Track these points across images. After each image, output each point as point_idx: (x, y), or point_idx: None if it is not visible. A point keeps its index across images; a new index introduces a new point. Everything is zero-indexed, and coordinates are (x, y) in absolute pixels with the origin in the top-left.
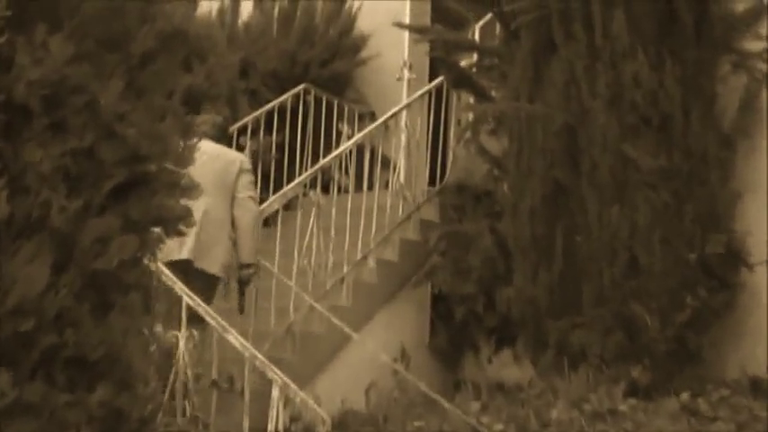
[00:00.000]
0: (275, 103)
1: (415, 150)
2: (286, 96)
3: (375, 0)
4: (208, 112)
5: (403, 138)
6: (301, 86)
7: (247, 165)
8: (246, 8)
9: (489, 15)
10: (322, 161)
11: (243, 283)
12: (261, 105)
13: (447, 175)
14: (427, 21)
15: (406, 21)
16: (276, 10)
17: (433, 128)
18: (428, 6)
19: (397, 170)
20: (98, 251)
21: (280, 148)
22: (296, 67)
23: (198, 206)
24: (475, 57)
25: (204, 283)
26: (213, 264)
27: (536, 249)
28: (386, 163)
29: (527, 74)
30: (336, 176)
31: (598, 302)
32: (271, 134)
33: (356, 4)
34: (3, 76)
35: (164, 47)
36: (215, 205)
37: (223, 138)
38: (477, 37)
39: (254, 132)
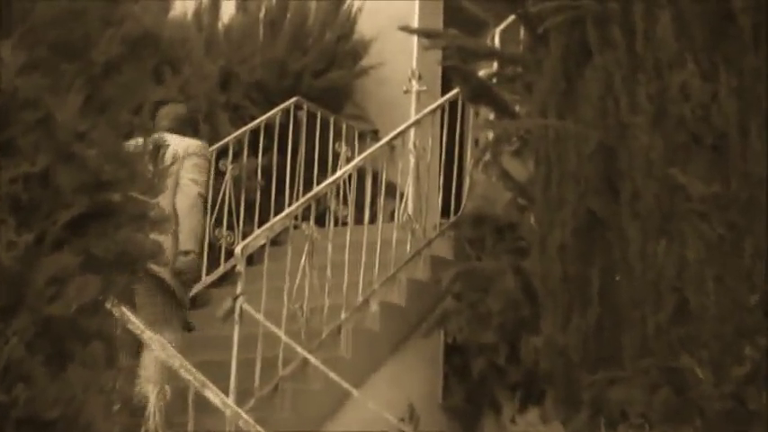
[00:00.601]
0: (261, 120)
1: (425, 175)
2: (274, 112)
3: (378, 0)
4: (169, 104)
5: (411, 161)
6: (292, 100)
7: (196, 149)
8: (228, 9)
9: (512, 17)
10: (316, 188)
11: (181, 274)
12: (244, 122)
13: (463, 205)
14: (439, 24)
15: (415, 24)
16: (262, 11)
17: (446, 149)
18: (440, 7)
19: (404, 199)
20: (53, 293)
21: (266, 172)
22: (285, 77)
23: None
24: (495, 65)
25: (153, 286)
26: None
27: (568, 291)
28: (391, 190)
29: (556, 85)
30: (333, 206)
31: (641, 353)
32: (256, 156)
33: (356, 5)
34: None
35: (131, 54)
36: None
37: (187, 129)
38: (497, 42)
39: (237, 154)
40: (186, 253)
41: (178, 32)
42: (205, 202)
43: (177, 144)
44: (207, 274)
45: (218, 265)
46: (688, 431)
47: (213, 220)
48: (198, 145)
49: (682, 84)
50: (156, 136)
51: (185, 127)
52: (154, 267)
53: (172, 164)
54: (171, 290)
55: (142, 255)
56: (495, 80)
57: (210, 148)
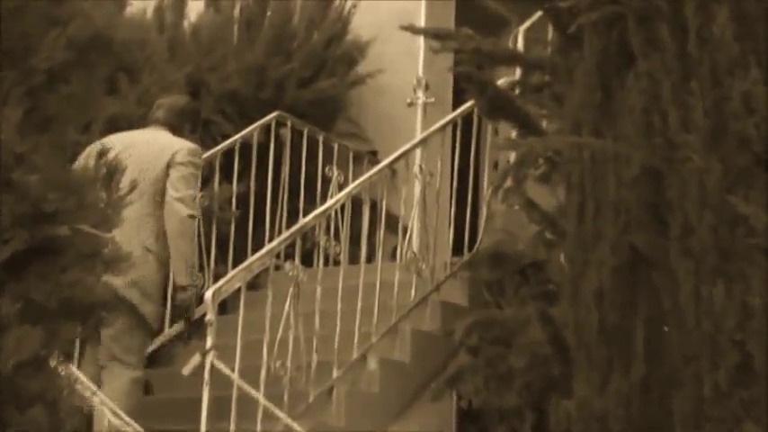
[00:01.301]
0: (236, 138)
1: (433, 205)
2: (251, 129)
3: None
4: (171, 95)
5: (416, 187)
6: (273, 115)
7: (184, 156)
8: (195, 5)
9: (538, 14)
10: (302, 221)
11: (182, 311)
12: (216, 142)
13: (479, 241)
14: (450, 23)
15: (421, 22)
16: (237, 8)
17: (458, 173)
18: (451, 3)
19: (408, 233)
20: None
21: (243, 201)
22: (265, 87)
23: None
24: (518, 73)
25: (132, 321)
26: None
27: (606, 345)
28: (392, 223)
29: (592, 96)
30: (323, 242)
31: (696, 420)
32: (230, 183)
33: (350, 1)
34: None
35: (79, 60)
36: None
37: (185, 125)
38: (520, 45)
39: (207, 180)
40: (184, 288)
41: (136, 33)
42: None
43: (162, 145)
44: (171, 325)
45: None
46: None
47: None
48: (187, 150)
49: (743, 94)
50: (98, 143)
51: (183, 122)
52: (134, 300)
53: (130, 191)
54: (150, 327)
55: (93, 302)
56: (517, 90)
57: None
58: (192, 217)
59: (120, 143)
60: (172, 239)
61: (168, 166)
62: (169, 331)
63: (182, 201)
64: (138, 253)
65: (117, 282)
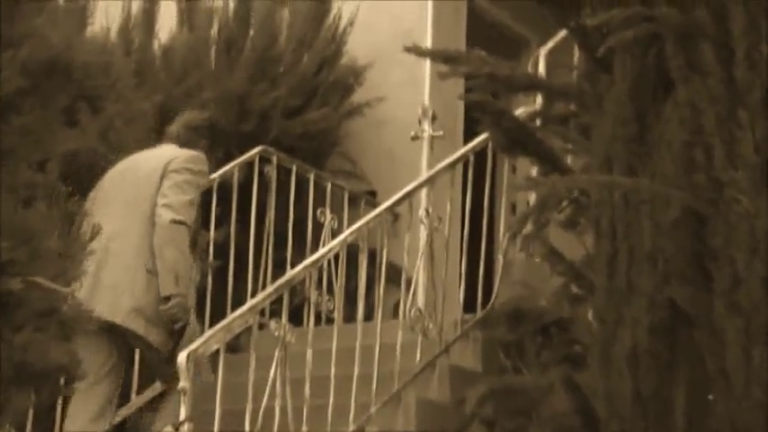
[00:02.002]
0: (214, 177)
1: (441, 254)
2: (231, 166)
3: (377, 10)
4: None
5: (422, 233)
6: (256, 150)
7: (179, 164)
8: (166, 23)
9: (562, 34)
10: (290, 272)
11: (167, 324)
12: None
13: (494, 295)
14: (461, 44)
15: (427, 42)
16: (215, 27)
17: (470, 217)
18: (462, 20)
19: (412, 287)
20: None
21: (221, 250)
22: (247, 118)
23: (103, 234)
24: (539, 101)
25: (121, 345)
26: (114, 309)
27: (641, 416)
28: (394, 275)
29: (624, 128)
30: (314, 297)
31: None
32: (207, 228)
33: (346, 17)
34: None
35: (34, 87)
36: (125, 230)
37: (200, 142)
38: (542, 69)
39: None
40: (167, 299)
41: (98, 56)
42: (190, 227)
43: (159, 159)
44: (139, 393)
45: (155, 379)
46: None
47: None
48: (183, 158)
49: None
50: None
51: (198, 138)
52: (139, 330)
53: (92, 237)
54: (150, 346)
55: (49, 367)
56: (538, 121)
57: None
58: (177, 222)
59: (124, 165)
60: (156, 247)
61: (161, 177)
62: (137, 399)
63: (168, 206)
64: (140, 277)
65: (121, 312)
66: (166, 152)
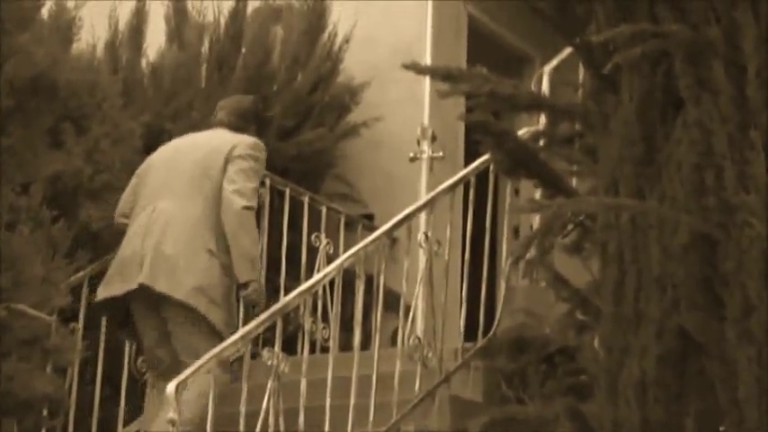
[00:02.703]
0: None
1: (441, 280)
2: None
3: (374, 26)
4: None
5: (421, 259)
6: None
7: (243, 149)
8: (155, 39)
9: (566, 52)
10: (284, 299)
11: (248, 309)
12: None
13: (496, 323)
14: (462, 61)
15: (427, 59)
16: (205, 44)
17: (471, 241)
18: (463, 36)
19: (411, 314)
20: None
21: None
22: None
23: (161, 211)
24: (543, 121)
25: (184, 319)
26: (178, 286)
27: None
28: (392, 302)
29: (632, 149)
30: (308, 325)
31: None
32: None
33: (342, 34)
34: None
35: (18, 106)
36: (185, 206)
37: (249, 127)
38: (545, 88)
39: None
40: (245, 285)
41: (84, 75)
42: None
43: (220, 142)
44: (125, 425)
45: (143, 410)
46: None
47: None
48: (247, 144)
49: None
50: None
51: (247, 124)
52: (200, 308)
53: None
54: (219, 335)
55: (32, 397)
56: (542, 142)
57: None
58: (248, 209)
59: (178, 144)
60: (229, 233)
61: (226, 161)
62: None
63: (239, 193)
64: (201, 257)
65: (183, 289)
66: (225, 136)
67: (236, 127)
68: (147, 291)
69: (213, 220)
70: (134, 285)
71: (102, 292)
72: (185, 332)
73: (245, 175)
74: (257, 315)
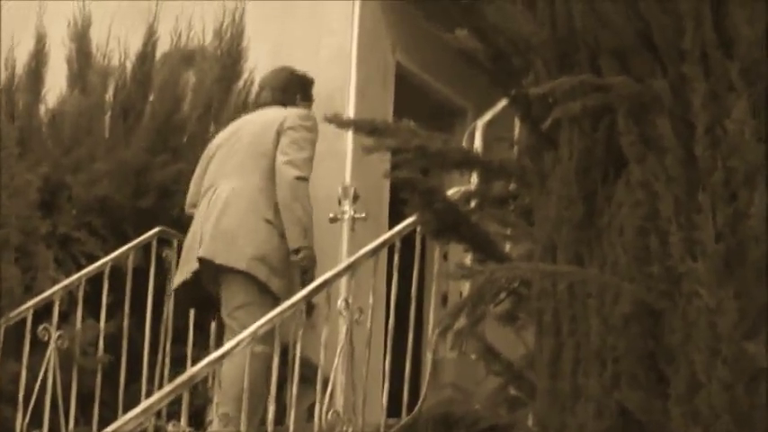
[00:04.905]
0: (105, 260)
1: (362, 350)
2: (126, 249)
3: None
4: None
5: (342, 327)
6: (154, 231)
7: (294, 120)
8: (55, 83)
9: (502, 104)
10: (191, 369)
11: (302, 274)
12: (79, 266)
13: (422, 398)
14: (389, 113)
15: (350, 111)
16: (110, 90)
17: (396, 309)
18: (390, 89)
19: (329, 387)
20: None
21: (113, 344)
22: (145, 193)
23: (220, 192)
24: (474, 179)
25: (246, 290)
26: (238, 257)
27: None
28: (309, 373)
29: (571, 211)
30: (217, 397)
31: None
32: (97, 319)
33: (258, 81)
34: None
35: None
36: (244, 182)
37: (295, 98)
38: (478, 143)
39: (66, 316)
40: (297, 251)
41: None
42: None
43: (271, 117)
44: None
45: None
46: None
47: (26, 419)
48: (296, 115)
49: (767, 208)
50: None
51: (292, 96)
52: (261, 276)
53: None
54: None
55: None
56: (473, 202)
57: (26, 304)
58: (300, 179)
59: (233, 126)
60: (282, 203)
61: (278, 134)
62: None
63: (290, 163)
64: (261, 227)
65: (244, 259)
66: (277, 111)
67: (282, 101)
68: (208, 266)
69: (270, 191)
70: (196, 264)
71: (176, 280)
72: (241, 301)
73: (297, 146)
74: (309, 282)
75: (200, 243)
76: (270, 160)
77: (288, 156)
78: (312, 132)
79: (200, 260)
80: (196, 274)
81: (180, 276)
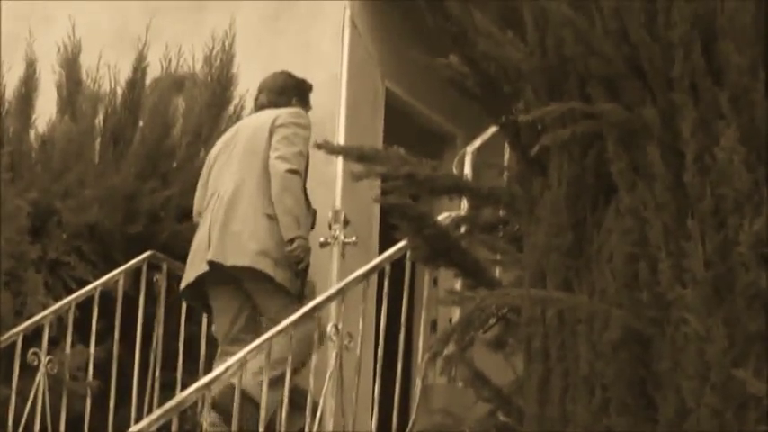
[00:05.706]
0: (95, 285)
1: (351, 376)
2: (115, 274)
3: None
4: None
5: (331, 353)
6: (144, 256)
7: (285, 118)
8: (45, 109)
9: (491, 131)
10: (180, 395)
11: (294, 265)
12: (68, 290)
13: (411, 424)
14: (378, 140)
15: (340, 139)
16: (100, 116)
17: (385, 335)
18: (380, 116)
19: (318, 413)
20: None
21: (103, 369)
22: (135, 218)
23: (221, 195)
24: (464, 206)
25: (258, 288)
26: (242, 254)
27: None
28: (298, 399)
29: (560, 238)
30: (207, 424)
31: None
32: (86, 344)
33: (249, 107)
34: None
35: None
36: (243, 183)
37: (291, 100)
38: (468, 170)
39: (55, 341)
40: (290, 241)
41: None
42: (302, 175)
43: (265, 118)
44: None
45: None
46: None
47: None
48: (287, 113)
49: (755, 236)
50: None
51: (288, 99)
52: (267, 269)
53: None
54: (288, 292)
55: None
56: (463, 228)
57: (16, 329)
58: (291, 172)
59: (231, 132)
60: (275, 196)
61: (270, 133)
62: None
63: (281, 158)
64: (261, 223)
65: (249, 255)
66: (271, 113)
67: (278, 104)
68: (218, 269)
69: (268, 189)
70: (205, 267)
71: (183, 283)
72: (265, 296)
73: (287, 141)
74: (304, 272)
75: (208, 246)
76: (264, 159)
77: (278, 151)
78: (304, 129)
79: (210, 263)
80: (201, 276)
81: (185, 279)
